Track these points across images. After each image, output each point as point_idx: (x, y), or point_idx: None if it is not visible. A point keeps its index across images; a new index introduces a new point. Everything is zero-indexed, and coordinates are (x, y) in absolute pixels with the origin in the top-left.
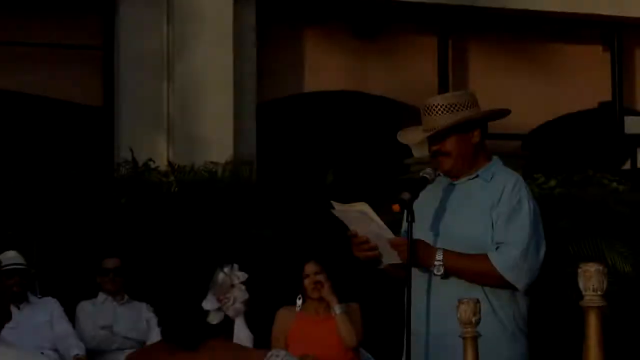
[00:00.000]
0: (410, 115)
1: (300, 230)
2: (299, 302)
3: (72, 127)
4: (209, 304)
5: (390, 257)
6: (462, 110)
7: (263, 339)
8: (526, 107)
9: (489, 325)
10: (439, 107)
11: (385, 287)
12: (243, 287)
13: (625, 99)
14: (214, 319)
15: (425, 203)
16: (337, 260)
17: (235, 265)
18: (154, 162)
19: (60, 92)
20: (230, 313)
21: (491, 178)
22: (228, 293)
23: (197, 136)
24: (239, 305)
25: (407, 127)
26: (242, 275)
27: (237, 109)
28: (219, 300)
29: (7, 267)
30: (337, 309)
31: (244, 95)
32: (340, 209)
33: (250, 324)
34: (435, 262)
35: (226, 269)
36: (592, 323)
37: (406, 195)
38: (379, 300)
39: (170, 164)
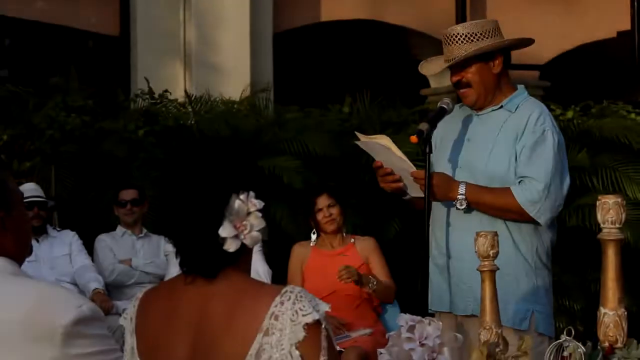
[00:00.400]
0: (428, 44)
1: (314, 161)
2: (314, 236)
3: (88, 56)
4: (225, 231)
5: (415, 189)
6: (483, 39)
7: (282, 275)
8: (544, 36)
9: (511, 260)
10: (459, 36)
11: (403, 223)
12: (260, 215)
13: None
14: (230, 246)
15: (448, 135)
16: (350, 191)
17: (252, 193)
18: (170, 93)
19: (77, 21)
20: (247, 241)
21: (516, 109)
22: (244, 220)
23: (214, 66)
24: (255, 234)
25: (424, 56)
26: (259, 203)
27: (253, 39)
28: (235, 228)
29: (26, 200)
30: (370, 287)
31: (260, 25)
32: (364, 140)
33: (269, 260)
34: (458, 196)
35: (242, 196)
36: (610, 255)
37: (424, 126)
38: (398, 236)
39: (186, 94)
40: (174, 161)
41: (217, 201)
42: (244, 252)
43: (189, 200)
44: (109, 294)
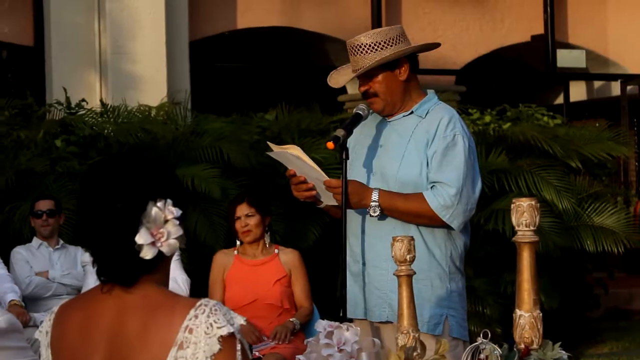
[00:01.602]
0: (345, 51)
1: (231, 169)
2: (238, 243)
3: (2, 67)
4: (142, 238)
5: (328, 198)
6: (386, 47)
7: (200, 283)
8: (460, 41)
9: (425, 265)
10: (362, 46)
11: (322, 229)
12: (177, 223)
13: (557, 33)
14: (147, 253)
15: (362, 141)
16: (270, 201)
17: (169, 201)
18: (87, 102)
19: None
20: (165, 249)
21: (426, 114)
22: (162, 228)
23: (131, 75)
24: (173, 241)
25: (341, 62)
26: (176, 211)
27: (169, 47)
28: (152, 235)
29: None
30: (296, 329)
31: (176, 33)
32: (276, 151)
33: (187, 269)
34: (371, 203)
35: (159, 204)
36: (525, 258)
37: (340, 132)
38: (317, 243)
39: (102, 103)
40: (90, 168)
41: (134, 208)
42: (162, 260)
43: (105, 207)
44: (26, 306)
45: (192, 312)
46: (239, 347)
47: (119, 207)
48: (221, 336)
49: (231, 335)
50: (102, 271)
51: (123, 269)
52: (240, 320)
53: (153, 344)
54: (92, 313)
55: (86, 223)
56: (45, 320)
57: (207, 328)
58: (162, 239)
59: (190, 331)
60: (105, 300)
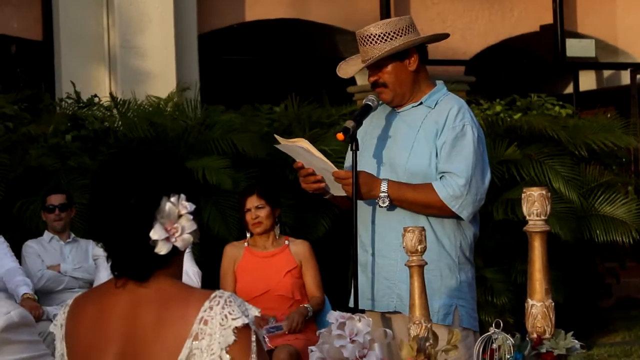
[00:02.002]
0: (353, 41)
1: (242, 161)
2: (248, 235)
3: (11, 61)
4: (156, 233)
5: (337, 189)
6: (396, 38)
7: (211, 276)
8: (468, 31)
9: (434, 255)
10: (372, 36)
11: (332, 221)
12: (191, 217)
13: (567, 22)
14: (162, 249)
15: (371, 132)
16: (280, 192)
17: (183, 196)
18: (99, 98)
19: None
20: (179, 244)
21: (435, 104)
22: (176, 223)
23: (140, 69)
24: (187, 236)
25: (349, 53)
26: (190, 206)
27: (178, 41)
28: (166, 230)
29: None
30: (309, 316)
31: (185, 27)
32: (284, 144)
33: (198, 261)
34: (380, 194)
35: (173, 199)
36: (536, 247)
37: (350, 124)
38: (326, 235)
39: (112, 97)
40: (102, 164)
41: (148, 204)
42: (176, 255)
43: (118, 203)
44: (39, 300)
45: (207, 304)
46: (253, 338)
47: (133, 203)
48: (236, 327)
49: (246, 326)
50: (116, 266)
51: (137, 264)
52: (254, 311)
53: (168, 336)
54: (106, 307)
55: (100, 219)
56: (60, 314)
57: (222, 319)
58: (177, 234)
59: (205, 323)
60: (119, 294)
